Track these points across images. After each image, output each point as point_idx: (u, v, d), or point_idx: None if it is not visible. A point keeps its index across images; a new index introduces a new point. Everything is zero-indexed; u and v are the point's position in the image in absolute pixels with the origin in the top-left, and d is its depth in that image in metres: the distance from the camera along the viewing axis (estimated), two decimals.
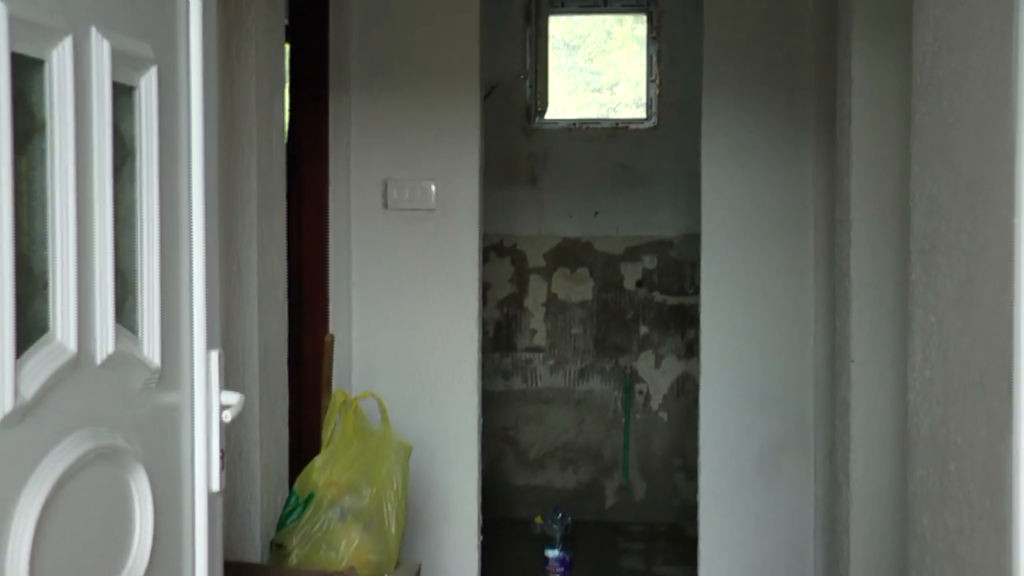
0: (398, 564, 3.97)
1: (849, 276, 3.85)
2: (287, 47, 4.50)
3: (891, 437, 3.74)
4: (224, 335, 2.61)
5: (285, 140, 4.24)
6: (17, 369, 1.77)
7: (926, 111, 2.42)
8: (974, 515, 2.09)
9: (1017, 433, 1.64)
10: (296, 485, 3.97)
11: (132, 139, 2.14)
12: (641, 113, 7.23)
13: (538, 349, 7.17)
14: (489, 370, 6.67)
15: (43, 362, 1.85)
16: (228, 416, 2.42)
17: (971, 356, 2.10)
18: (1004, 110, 1.77)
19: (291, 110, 4.71)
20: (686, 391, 6.91)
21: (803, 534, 4.90)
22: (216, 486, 2.41)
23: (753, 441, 4.93)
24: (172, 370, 2.28)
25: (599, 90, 7.72)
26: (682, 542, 6.25)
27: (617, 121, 7.23)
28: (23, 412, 1.80)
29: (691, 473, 5.82)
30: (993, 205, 1.92)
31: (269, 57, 3.90)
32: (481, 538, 5.06)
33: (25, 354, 1.81)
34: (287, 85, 4.48)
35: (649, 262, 7.07)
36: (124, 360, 2.09)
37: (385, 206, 5.01)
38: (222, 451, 2.42)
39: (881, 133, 3.77)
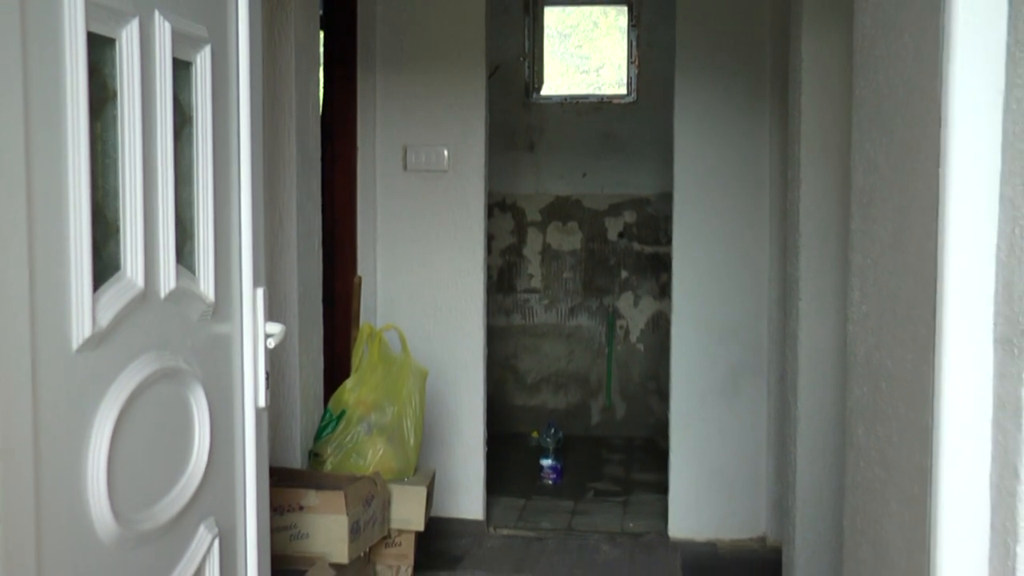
0: (416, 470, 3.99)
1: (798, 227, 3.84)
2: (321, 33, 4.48)
3: (832, 363, 3.75)
4: (268, 276, 2.62)
5: (320, 111, 4.23)
6: (94, 302, 1.79)
7: (865, 85, 2.41)
8: (901, 425, 2.09)
9: (938, 355, 1.65)
10: (330, 404, 3.99)
11: (190, 107, 2.14)
12: (623, 90, 7.20)
13: (534, 291, 7.17)
14: (493, 308, 6.68)
15: (116, 296, 1.86)
16: (272, 343, 2.43)
17: (900, 292, 2.11)
18: (931, 83, 1.77)
19: (325, 85, 4.70)
20: (660, 326, 6.92)
21: (757, 446, 4.92)
22: (262, 403, 2.42)
23: (716, 367, 4.94)
24: (224, 304, 2.29)
25: (587, 72, 7.67)
26: (656, 453, 6.28)
27: (602, 96, 7.20)
28: (100, 338, 1.81)
29: (664, 395, 5.83)
30: (921, 164, 1.92)
31: (306, 39, 3.89)
32: (486, 449, 5.09)
33: (101, 289, 1.82)
34: (322, 64, 4.46)
35: (629, 216, 7.06)
36: (184, 295, 2.11)
37: (405, 168, 5.00)
38: (267, 373, 2.44)
39: (826, 105, 3.75)
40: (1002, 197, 1.54)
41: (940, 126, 1.65)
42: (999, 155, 1.55)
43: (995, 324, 1.57)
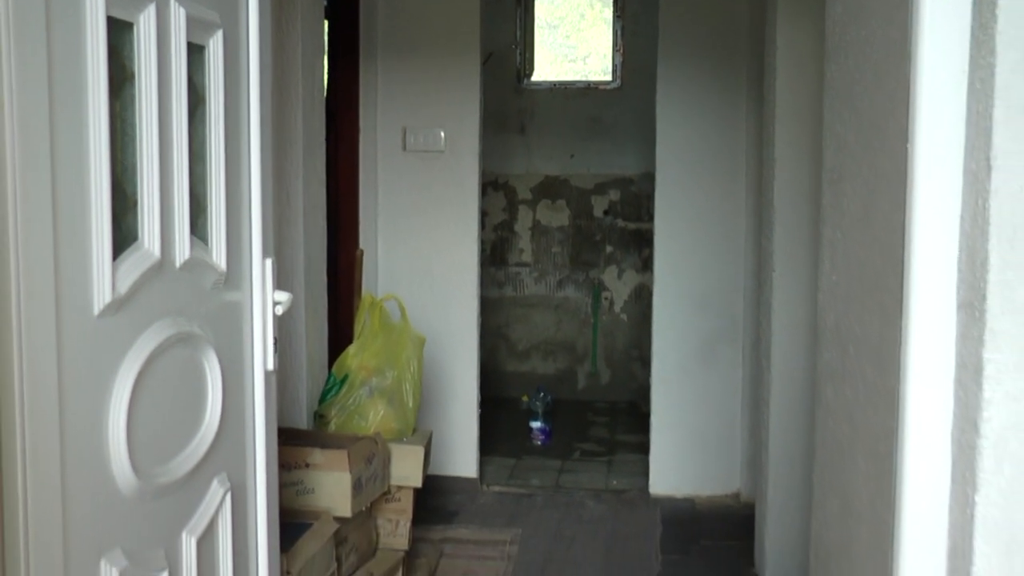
0: (414, 431, 4.00)
1: (773, 203, 3.84)
2: (326, 23, 4.46)
3: (803, 330, 3.75)
4: (276, 248, 2.62)
5: (325, 95, 4.22)
6: (114, 270, 1.79)
7: (836, 69, 2.41)
8: (867, 387, 2.10)
9: (904, 320, 1.65)
10: (334, 368, 3.99)
11: (203, 89, 2.14)
12: (608, 76, 7.17)
13: (525, 264, 7.18)
14: (486, 280, 6.64)
15: (134, 265, 1.86)
16: (280, 310, 2.44)
17: (868, 262, 2.11)
18: (898, 66, 1.77)
19: (330, 72, 4.68)
20: (642, 297, 6.93)
21: (733, 408, 4.94)
22: (271, 366, 2.43)
23: (694, 336, 4.95)
24: (235, 273, 2.29)
25: (575, 60, 7.65)
26: (638, 416, 6.29)
27: (589, 83, 7.18)
28: (119, 304, 1.81)
29: (646, 362, 5.83)
30: (888, 142, 1.92)
31: (311, 28, 3.87)
32: (479, 411, 5.10)
33: (120, 258, 1.82)
34: (326, 51, 4.44)
35: (614, 195, 7.06)
36: (197, 264, 2.11)
37: (404, 148, 4.99)
38: (275, 338, 2.44)
39: (799, 88, 3.75)
40: (966, 171, 1.55)
41: (907, 106, 1.65)
42: (963, 131, 1.55)
43: (958, 290, 1.57)
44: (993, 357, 1.47)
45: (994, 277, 1.46)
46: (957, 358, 1.58)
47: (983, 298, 1.47)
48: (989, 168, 1.45)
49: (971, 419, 1.52)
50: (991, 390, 1.47)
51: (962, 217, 1.56)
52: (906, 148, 1.65)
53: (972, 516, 1.52)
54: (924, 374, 1.61)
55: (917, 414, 1.64)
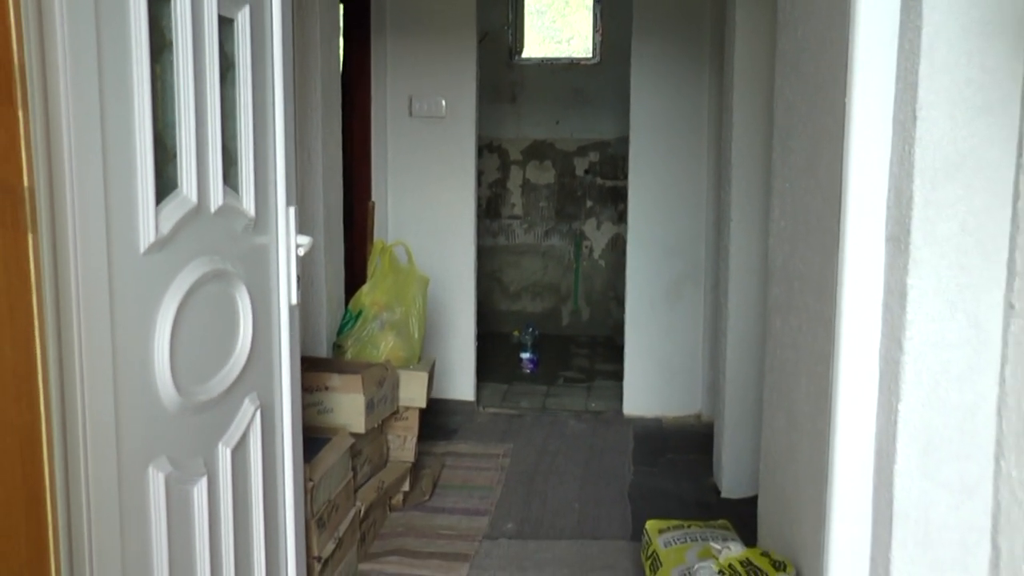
0: (419, 359, 4.02)
1: (730, 160, 3.84)
2: (341, 5, 4.42)
3: (755, 270, 3.77)
4: (299, 199, 2.61)
5: (340, 68, 4.19)
6: (157, 214, 1.79)
7: (786, 40, 2.40)
8: (810, 317, 2.12)
9: (840, 255, 1.67)
10: (350, 305, 4.00)
11: (232, 56, 2.12)
12: (589, 54, 7.11)
13: (516, 217, 7.16)
14: (482, 231, 6.67)
15: (174, 209, 1.86)
16: (302, 251, 2.43)
17: (811, 208, 2.12)
18: (840, 35, 1.77)
19: (345, 48, 4.64)
20: (617, 245, 6.93)
21: (695, 340, 4.96)
22: (295, 300, 2.42)
23: (662, 278, 4.96)
24: (263, 219, 2.28)
25: (560, 42, 7.58)
26: (614, 348, 6.30)
27: (572, 59, 7.11)
28: (162, 243, 1.81)
29: (620, 301, 5.83)
30: (830, 103, 1.92)
31: (328, 11, 3.83)
32: (476, 344, 5.12)
33: (162, 203, 1.82)
34: (342, 31, 4.40)
35: (593, 156, 7.03)
36: (229, 210, 2.10)
37: (410, 114, 4.96)
38: (298, 276, 2.44)
39: (753, 60, 3.73)
40: (895, 121, 1.55)
41: (847, 70, 1.65)
42: (893, 87, 1.56)
43: (887, 225, 1.59)
44: (915, 283, 1.49)
45: (917, 214, 1.47)
46: (885, 285, 1.60)
47: (907, 232, 1.48)
48: (915, 119, 1.46)
49: (896, 338, 1.54)
50: (913, 312, 1.49)
51: (891, 162, 1.57)
52: (845, 106, 1.66)
53: (895, 422, 1.55)
54: (856, 300, 1.63)
55: (850, 336, 1.66)
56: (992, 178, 1.45)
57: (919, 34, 1.44)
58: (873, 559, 1.67)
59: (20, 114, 1.42)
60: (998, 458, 1.50)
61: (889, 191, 1.57)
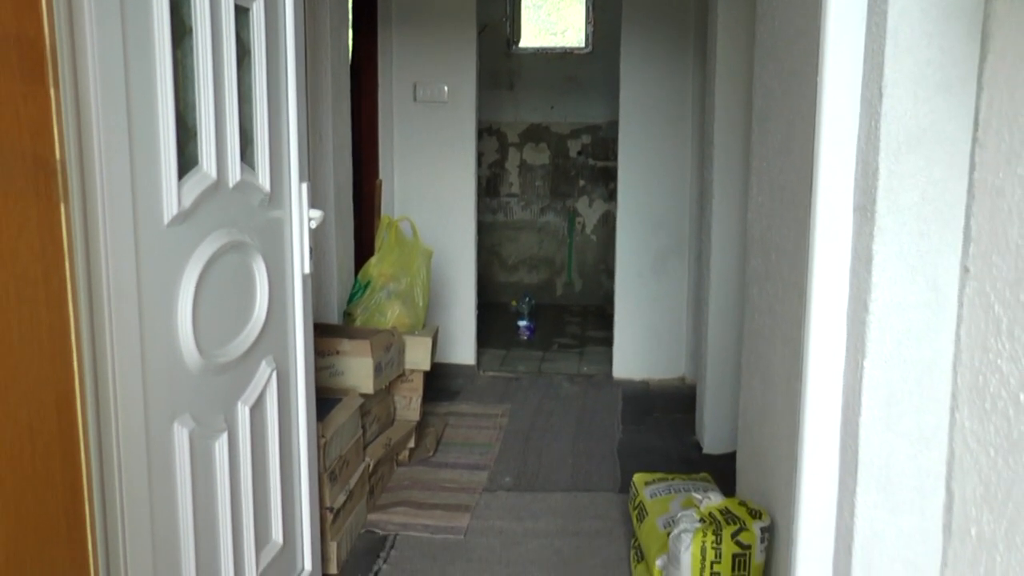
0: (424, 326, 4.03)
1: (713, 142, 3.84)
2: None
3: (736, 243, 3.78)
4: (311, 176, 2.62)
5: (350, 55, 4.17)
6: (179, 188, 1.80)
7: (764, 30, 2.40)
8: (785, 285, 2.13)
9: (811, 223, 1.68)
10: (359, 275, 4.01)
11: (248, 43, 2.12)
12: (581, 44, 7.08)
13: (514, 195, 7.15)
14: (482, 208, 6.67)
15: (195, 184, 1.87)
16: (314, 224, 2.44)
17: (786, 185, 2.13)
18: (812, 26, 1.77)
19: (353, 37, 4.62)
20: (608, 222, 6.93)
21: (679, 308, 4.97)
22: (307, 270, 2.44)
23: (649, 251, 4.96)
24: (277, 194, 2.29)
25: (554, 34, 7.54)
26: (604, 317, 6.32)
27: (566, 48, 7.08)
28: (184, 216, 1.82)
29: (610, 273, 5.85)
30: (804, 87, 1.92)
31: (337, 1, 3.81)
32: (477, 312, 5.13)
33: (184, 178, 1.83)
34: (351, 21, 4.38)
35: (586, 139, 7.01)
36: (247, 186, 2.11)
37: (415, 99, 4.94)
38: (311, 248, 2.45)
39: (734, 49, 3.72)
40: (863, 98, 1.56)
41: (819, 54, 1.66)
42: (861, 67, 1.56)
43: (854, 196, 1.60)
44: (880, 249, 1.50)
45: (882, 184, 1.48)
46: (852, 251, 1.61)
47: (873, 201, 1.49)
48: (880, 96, 1.47)
49: (862, 300, 1.55)
50: (878, 276, 1.50)
51: (859, 136, 1.57)
52: (817, 88, 1.67)
53: (861, 377, 1.56)
54: (826, 266, 1.64)
55: (821, 298, 1.67)
56: (950, 151, 1.46)
57: (884, 17, 1.45)
58: (840, 504, 1.69)
59: (52, 92, 1.43)
60: (953, 410, 1.52)
61: (856, 164, 1.58)
